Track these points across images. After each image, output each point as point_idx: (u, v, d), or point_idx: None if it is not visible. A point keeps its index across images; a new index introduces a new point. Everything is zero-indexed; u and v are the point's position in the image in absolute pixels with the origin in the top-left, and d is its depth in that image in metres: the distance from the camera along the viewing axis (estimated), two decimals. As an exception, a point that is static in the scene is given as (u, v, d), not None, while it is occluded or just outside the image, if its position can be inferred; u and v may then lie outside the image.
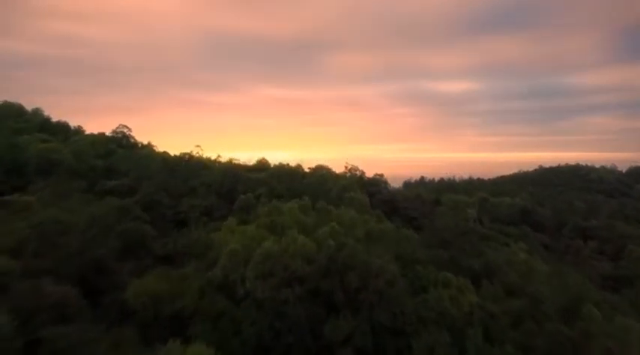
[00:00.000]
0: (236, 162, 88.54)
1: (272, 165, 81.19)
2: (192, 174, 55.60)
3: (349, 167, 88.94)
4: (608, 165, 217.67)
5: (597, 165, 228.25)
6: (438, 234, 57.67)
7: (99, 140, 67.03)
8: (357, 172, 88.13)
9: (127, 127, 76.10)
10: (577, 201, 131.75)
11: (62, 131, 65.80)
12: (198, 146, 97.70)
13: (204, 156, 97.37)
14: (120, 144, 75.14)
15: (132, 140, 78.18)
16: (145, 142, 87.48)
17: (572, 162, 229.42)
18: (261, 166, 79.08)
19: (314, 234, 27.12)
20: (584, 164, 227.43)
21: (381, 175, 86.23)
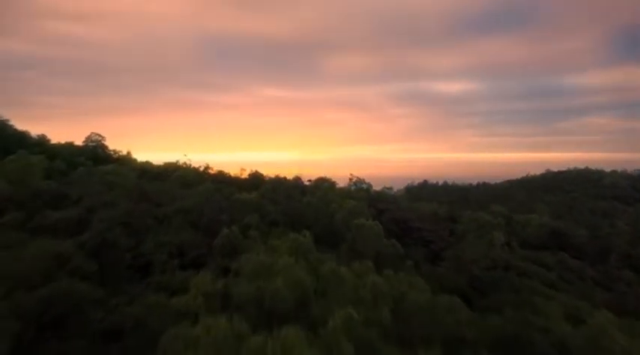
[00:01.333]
0: (227, 174, 79.18)
1: (267, 179, 71.59)
2: (167, 197, 45.91)
3: (354, 179, 79.62)
4: (619, 169, 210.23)
5: (607, 169, 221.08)
6: (465, 268, 48.19)
7: (65, 152, 57.36)
8: (363, 184, 78.73)
9: (100, 135, 66.35)
10: (597, 211, 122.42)
11: (19, 142, 55.95)
12: (185, 155, 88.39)
13: (192, 165, 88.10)
14: (92, 155, 65.43)
15: (107, 151, 68.50)
16: (125, 152, 77.97)
17: (580, 166, 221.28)
18: (255, 180, 69.45)
19: (320, 325, 17.42)
20: (593, 168, 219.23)
21: (390, 188, 76.78)
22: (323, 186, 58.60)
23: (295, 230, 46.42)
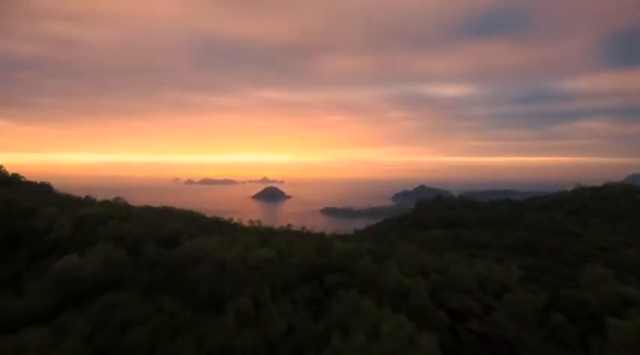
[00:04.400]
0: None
1: (257, 262, 41.77)
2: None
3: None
4: (612, 173, 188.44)
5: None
6: None
7: None
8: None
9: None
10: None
11: None
12: (118, 198, 59.85)
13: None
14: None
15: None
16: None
17: (616, 179, 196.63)
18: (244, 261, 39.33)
19: None
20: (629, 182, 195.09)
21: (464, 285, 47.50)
22: (352, 298, 28.62)
23: None
